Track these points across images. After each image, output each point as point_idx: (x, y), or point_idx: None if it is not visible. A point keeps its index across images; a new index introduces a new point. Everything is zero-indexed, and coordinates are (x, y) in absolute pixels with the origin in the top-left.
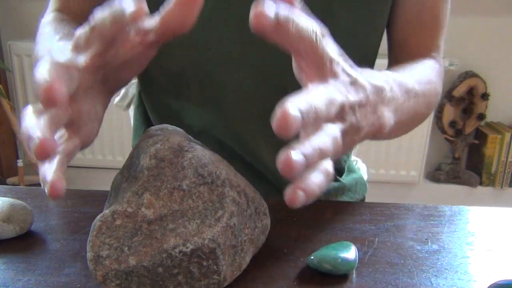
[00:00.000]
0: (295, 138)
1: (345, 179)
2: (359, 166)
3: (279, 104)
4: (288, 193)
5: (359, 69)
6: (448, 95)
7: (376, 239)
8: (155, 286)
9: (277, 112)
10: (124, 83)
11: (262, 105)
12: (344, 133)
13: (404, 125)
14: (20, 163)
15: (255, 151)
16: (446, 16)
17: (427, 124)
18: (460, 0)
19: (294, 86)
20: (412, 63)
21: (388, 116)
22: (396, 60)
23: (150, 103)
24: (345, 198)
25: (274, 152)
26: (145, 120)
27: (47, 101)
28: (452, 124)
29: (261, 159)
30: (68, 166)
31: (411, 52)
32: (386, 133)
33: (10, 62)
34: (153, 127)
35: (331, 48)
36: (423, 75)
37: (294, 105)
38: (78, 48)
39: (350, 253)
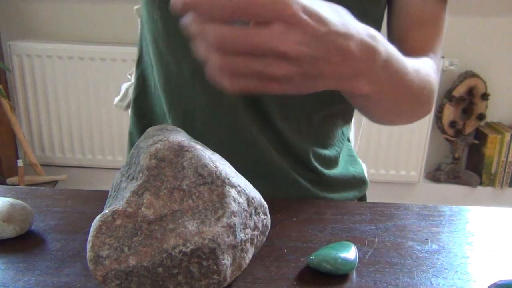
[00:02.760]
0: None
1: (344, 171)
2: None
3: None
4: None
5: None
6: (448, 95)
7: (376, 239)
8: (155, 286)
9: None
10: None
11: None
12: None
13: (393, 101)
14: (20, 163)
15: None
16: (444, 24)
17: (427, 124)
18: (460, 0)
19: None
20: (411, 57)
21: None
22: None
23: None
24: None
25: (276, 146)
26: (141, 129)
27: None
28: (452, 124)
29: (263, 154)
30: (68, 166)
31: (408, 52)
32: (362, 90)
33: (10, 62)
34: (153, 127)
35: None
36: (420, 66)
37: None
38: None
39: (350, 253)
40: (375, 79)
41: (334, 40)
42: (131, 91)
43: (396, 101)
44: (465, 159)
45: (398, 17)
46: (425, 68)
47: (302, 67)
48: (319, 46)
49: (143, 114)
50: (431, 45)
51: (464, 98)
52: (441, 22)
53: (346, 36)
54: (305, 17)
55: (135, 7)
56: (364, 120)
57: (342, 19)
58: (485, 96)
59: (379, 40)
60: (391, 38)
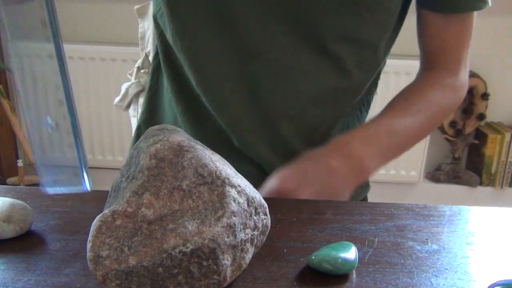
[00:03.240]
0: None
1: None
2: None
3: None
4: None
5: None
6: None
7: (376, 239)
8: (155, 286)
9: None
10: None
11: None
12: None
13: (399, 150)
14: (20, 163)
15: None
16: (469, 34)
17: None
18: None
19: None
20: (418, 90)
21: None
22: (422, 65)
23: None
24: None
25: (269, 145)
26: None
27: None
28: (452, 124)
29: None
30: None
31: (434, 62)
32: (373, 171)
33: None
34: (153, 127)
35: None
36: (423, 103)
37: None
38: None
39: (350, 253)
40: (373, 158)
41: (319, 170)
42: (131, 91)
43: (409, 145)
44: (465, 159)
45: (422, 29)
46: (430, 98)
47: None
48: (314, 179)
49: (156, 112)
50: (453, 55)
51: (464, 98)
52: (465, 34)
53: (322, 163)
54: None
55: (135, 7)
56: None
57: (313, 155)
58: (485, 96)
59: (347, 137)
60: (420, 49)
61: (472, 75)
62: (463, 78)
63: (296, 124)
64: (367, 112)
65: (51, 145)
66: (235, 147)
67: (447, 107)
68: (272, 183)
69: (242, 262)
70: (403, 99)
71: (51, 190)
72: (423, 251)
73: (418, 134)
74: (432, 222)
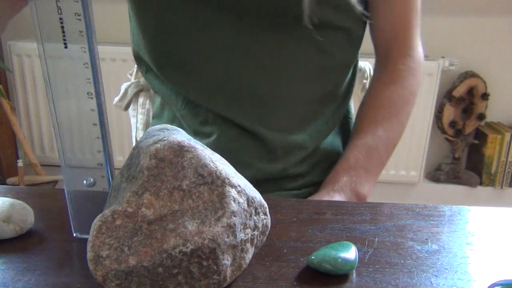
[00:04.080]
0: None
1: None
2: None
3: None
4: None
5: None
6: (448, 95)
7: (376, 239)
8: (155, 286)
9: None
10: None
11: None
12: None
13: (383, 161)
14: (20, 163)
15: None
16: (417, 13)
17: (427, 124)
18: (460, 0)
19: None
20: (379, 104)
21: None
22: (379, 60)
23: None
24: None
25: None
26: None
27: None
28: (452, 124)
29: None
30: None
31: (387, 52)
32: (369, 193)
33: (10, 62)
34: (153, 127)
35: None
36: (393, 117)
37: None
38: None
39: (350, 253)
40: (363, 185)
41: None
42: (130, 91)
43: (390, 151)
44: (465, 159)
45: (371, 13)
46: (390, 97)
47: None
48: None
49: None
50: (407, 44)
51: (464, 98)
52: (411, 8)
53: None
54: None
55: None
56: None
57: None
58: (485, 96)
59: (332, 175)
60: (373, 43)
61: (472, 75)
62: (418, 56)
63: (288, 102)
64: (354, 81)
65: (87, 199)
66: (236, 125)
67: (410, 95)
68: None
69: (242, 262)
70: (366, 110)
71: (80, 235)
72: (423, 251)
73: (394, 137)
74: (432, 222)
